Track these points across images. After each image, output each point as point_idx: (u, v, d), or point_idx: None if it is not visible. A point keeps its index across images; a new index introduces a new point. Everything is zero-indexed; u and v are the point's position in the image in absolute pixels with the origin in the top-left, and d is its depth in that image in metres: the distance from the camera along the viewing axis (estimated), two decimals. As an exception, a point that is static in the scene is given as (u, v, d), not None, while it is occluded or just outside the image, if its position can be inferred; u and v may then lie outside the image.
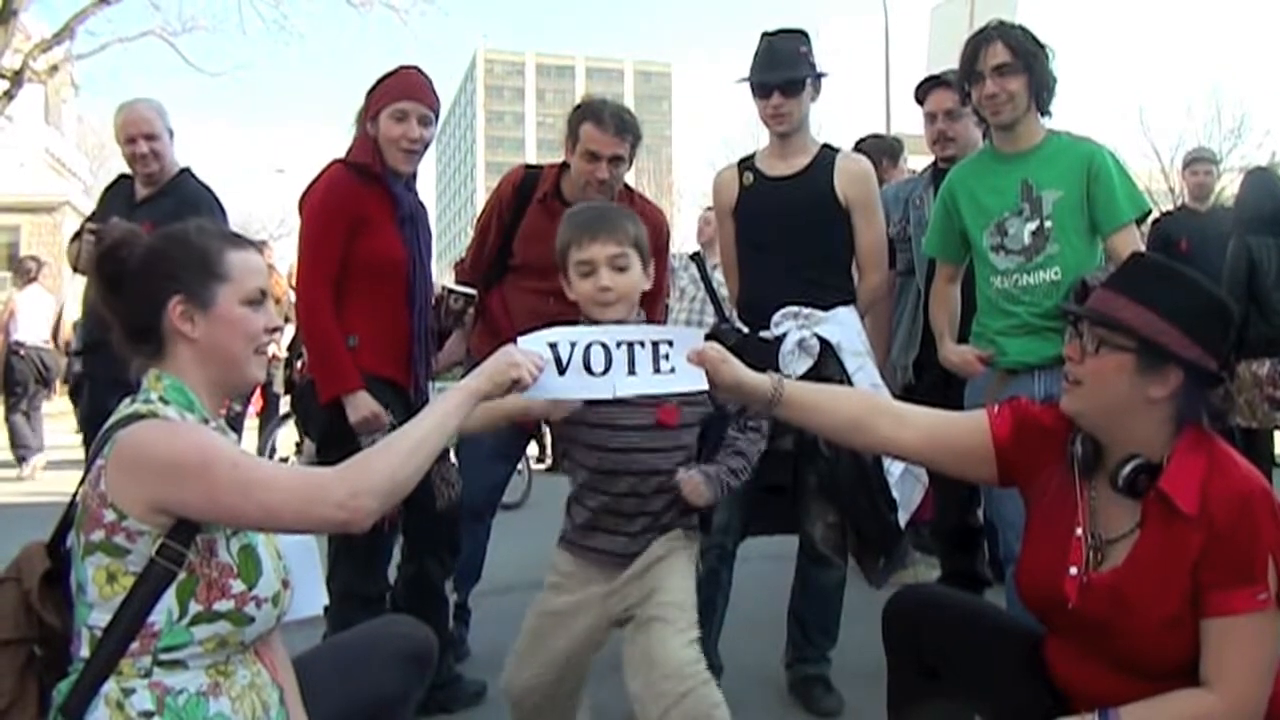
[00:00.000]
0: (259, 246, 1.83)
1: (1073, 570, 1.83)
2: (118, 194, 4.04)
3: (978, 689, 2.02)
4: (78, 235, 3.93)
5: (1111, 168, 2.88)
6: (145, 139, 3.86)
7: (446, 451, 3.07)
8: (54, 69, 15.91)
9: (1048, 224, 2.87)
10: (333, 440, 2.86)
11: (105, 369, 3.64)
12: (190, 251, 1.70)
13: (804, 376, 2.89)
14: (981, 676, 1.99)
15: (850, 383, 3.04)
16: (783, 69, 3.12)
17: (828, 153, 3.23)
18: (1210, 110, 29.57)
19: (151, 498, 1.53)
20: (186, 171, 3.99)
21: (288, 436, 10.01)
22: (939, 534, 4.18)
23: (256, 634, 1.67)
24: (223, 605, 1.60)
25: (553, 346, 1.92)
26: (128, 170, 4.05)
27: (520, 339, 1.96)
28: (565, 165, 3.39)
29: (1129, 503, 1.81)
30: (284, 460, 9.68)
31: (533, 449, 8.97)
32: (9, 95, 14.65)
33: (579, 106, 3.34)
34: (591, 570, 2.28)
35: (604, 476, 2.24)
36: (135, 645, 1.55)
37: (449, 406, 1.75)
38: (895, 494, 3.06)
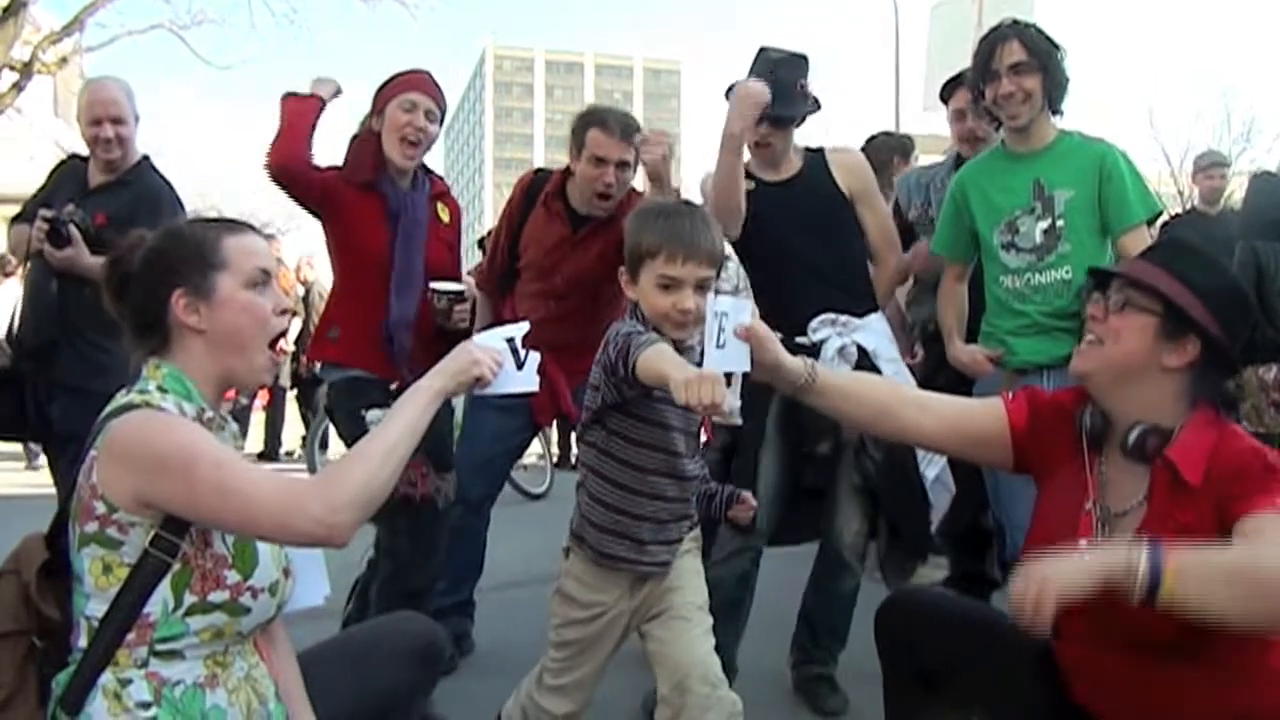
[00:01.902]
0: (257, 229, 1.81)
1: (1082, 544, 1.81)
2: (69, 176, 3.66)
3: (977, 692, 2.01)
4: (18, 217, 3.59)
5: (1124, 168, 2.88)
6: (112, 123, 3.50)
7: (449, 464, 3.04)
8: (63, 61, 15.92)
9: (1059, 223, 2.87)
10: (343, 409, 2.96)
11: (52, 371, 3.44)
12: (186, 245, 1.71)
13: None
14: (981, 679, 1.98)
15: None
16: (777, 104, 3.02)
17: (813, 154, 3.20)
18: (1220, 114, 29.48)
19: (138, 491, 1.53)
20: (146, 160, 3.66)
21: (294, 430, 10.03)
22: (951, 535, 4.17)
23: (254, 624, 1.67)
24: (217, 596, 1.59)
25: (509, 341, 1.92)
26: (82, 151, 3.68)
27: (476, 335, 1.97)
28: (570, 169, 3.39)
29: (1138, 471, 1.81)
30: (289, 454, 9.69)
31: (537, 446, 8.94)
32: (18, 87, 14.66)
33: (584, 113, 3.34)
34: (621, 585, 2.17)
35: (663, 480, 2.14)
36: (132, 636, 1.55)
37: (416, 408, 1.72)
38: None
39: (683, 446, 2.15)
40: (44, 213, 3.34)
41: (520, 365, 1.92)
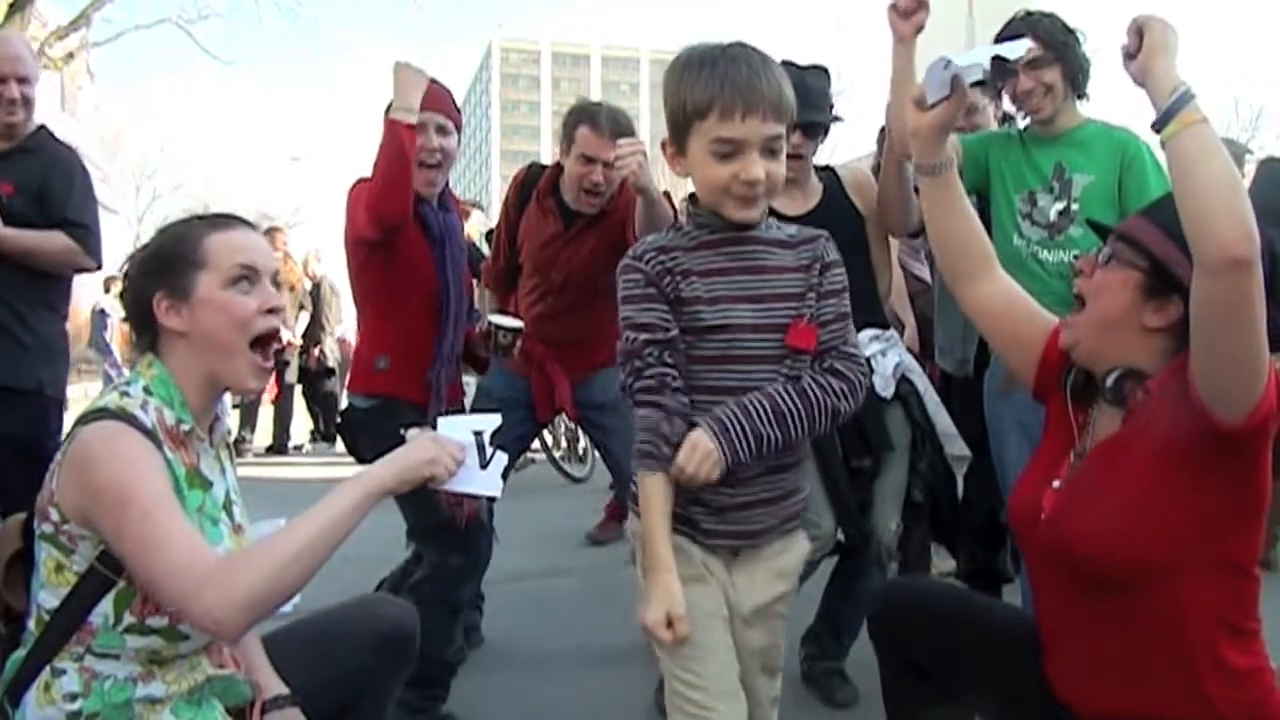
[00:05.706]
0: (248, 222, 1.75)
1: (1055, 483, 1.78)
2: None
3: (976, 687, 1.96)
4: None
5: (1146, 157, 2.84)
6: (18, 82, 3.16)
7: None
8: (70, 56, 15.96)
9: (1074, 206, 2.84)
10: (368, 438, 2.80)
11: None
12: (169, 245, 1.68)
13: (885, 400, 2.94)
14: (978, 675, 1.94)
15: (922, 403, 3.02)
16: (811, 110, 2.88)
17: (827, 174, 3.10)
18: (1227, 101, 29.33)
19: (80, 508, 1.51)
20: (44, 128, 3.34)
21: (302, 424, 10.05)
22: (966, 529, 4.15)
23: (192, 649, 1.63)
24: (156, 621, 1.55)
25: (478, 435, 1.72)
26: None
27: (441, 421, 1.77)
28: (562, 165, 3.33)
29: (1119, 416, 1.75)
30: (298, 448, 9.69)
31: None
32: (25, 83, 14.69)
33: (574, 109, 3.27)
34: (709, 559, 1.72)
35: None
36: (74, 638, 1.55)
37: (347, 503, 1.55)
38: None
39: (770, 375, 1.71)
40: None
41: (485, 464, 1.71)
